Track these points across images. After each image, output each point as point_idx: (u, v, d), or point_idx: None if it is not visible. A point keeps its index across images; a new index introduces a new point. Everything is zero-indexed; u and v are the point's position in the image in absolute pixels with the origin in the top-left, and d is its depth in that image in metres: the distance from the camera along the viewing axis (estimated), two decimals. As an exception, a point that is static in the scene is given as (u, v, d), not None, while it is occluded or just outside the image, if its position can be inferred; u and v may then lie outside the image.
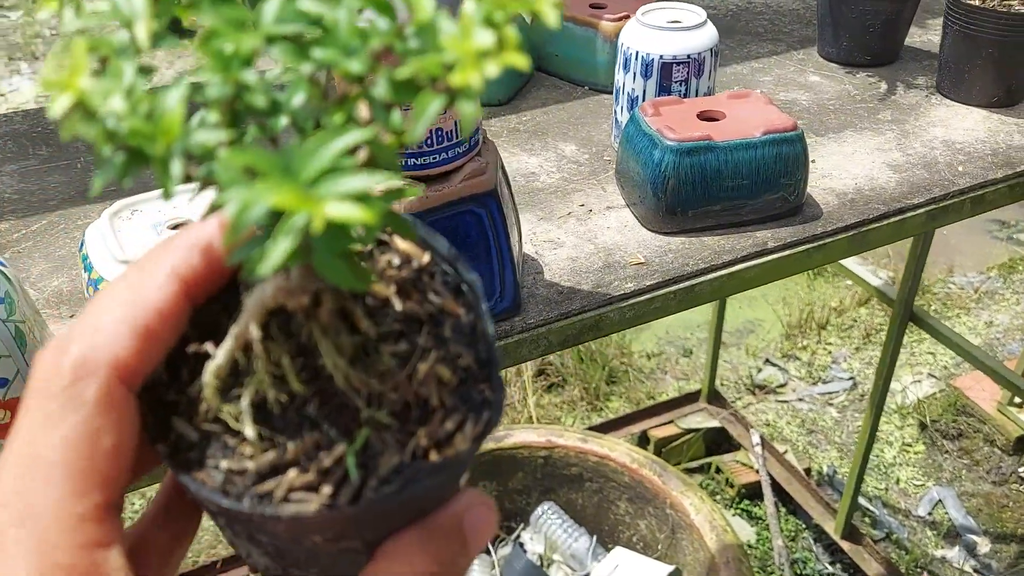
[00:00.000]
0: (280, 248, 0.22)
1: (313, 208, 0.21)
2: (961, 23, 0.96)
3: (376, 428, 0.27)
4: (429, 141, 0.66)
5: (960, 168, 0.89)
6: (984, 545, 1.92)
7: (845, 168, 0.91)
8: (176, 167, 0.24)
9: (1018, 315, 2.45)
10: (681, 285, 0.78)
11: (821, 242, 0.82)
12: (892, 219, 0.85)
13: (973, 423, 2.13)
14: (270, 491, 0.26)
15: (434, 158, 0.67)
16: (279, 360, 0.28)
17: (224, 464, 0.27)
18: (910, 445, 2.14)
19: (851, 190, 0.88)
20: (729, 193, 0.81)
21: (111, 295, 0.28)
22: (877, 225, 0.84)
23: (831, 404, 2.27)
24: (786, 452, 2.10)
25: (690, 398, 2.17)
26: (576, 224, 0.84)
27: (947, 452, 2.11)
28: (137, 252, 0.64)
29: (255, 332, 0.28)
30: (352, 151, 0.24)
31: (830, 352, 2.41)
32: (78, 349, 0.27)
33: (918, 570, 1.88)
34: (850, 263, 1.80)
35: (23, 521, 0.25)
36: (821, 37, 1.12)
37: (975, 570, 1.87)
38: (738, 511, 2.03)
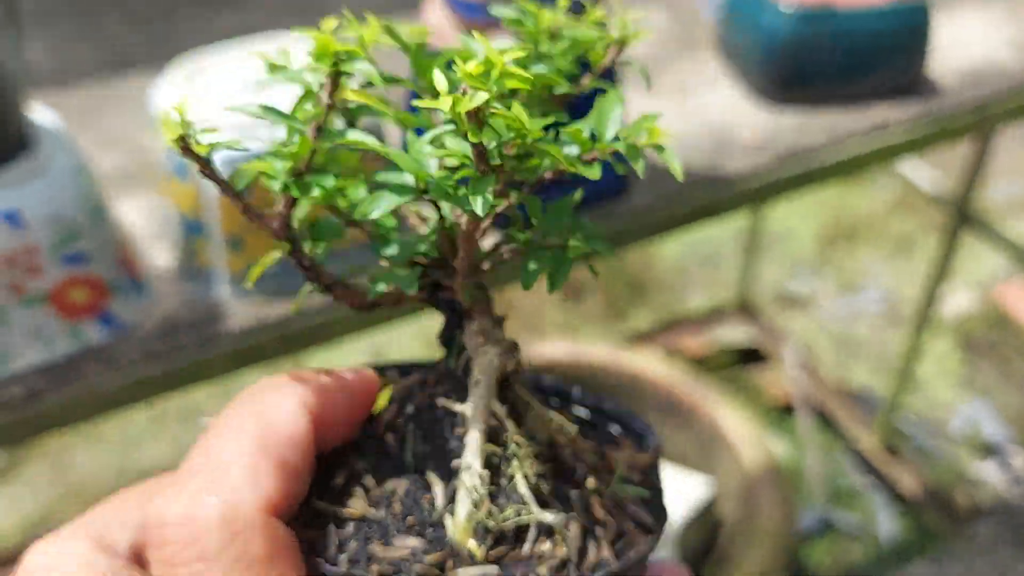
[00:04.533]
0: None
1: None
2: None
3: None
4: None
5: (1086, 43, 0.83)
6: (1020, 459, 1.90)
7: (959, 44, 0.83)
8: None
9: (1052, 227, 2.40)
10: (798, 165, 0.71)
11: (943, 118, 0.75)
12: (1018, 96, 0.78)
13: (1011, 336, 2.09)
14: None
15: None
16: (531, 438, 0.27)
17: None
18: (945, 358, 2.10)
19: (968, 67, 0.80)
20: (847, 64, 0.74)
21: (229, 429, 0.23)
22: (1002, 103, 0.77)
23: (864, 316, 2.23)
24: (819, 366, 2.06)
25: (721, 311, 2.12)
26: (679, 99, 0.76)
27: (983, 365, 2.07)
28: (231, 115, 0.57)
29: (499, 408, 0.26)
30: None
31: (861, 263, 2.36)
32: (220, 500, 0.22)
33: (953, 484, 1.86)
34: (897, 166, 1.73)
35: None
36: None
37: (1011, 483, 1.85)
38: (771, 426, 2.00)
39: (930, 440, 1.95)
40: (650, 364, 1.82)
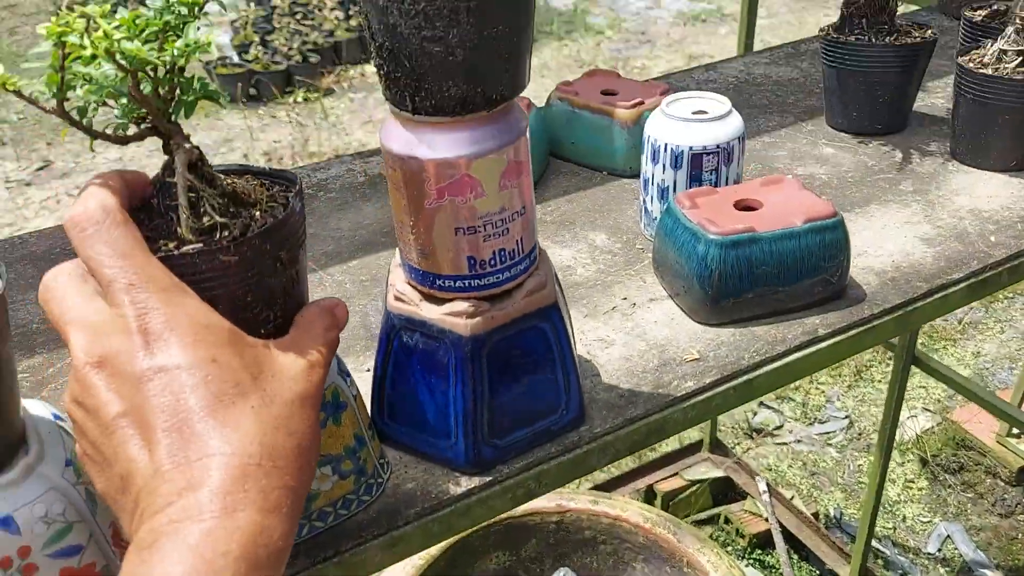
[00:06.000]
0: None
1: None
2: (975, 91, 0.97)
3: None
4: (492, 260, 0.65)
5: (992, 238, 0.90)
6: (996, 578, 1.93)
7: (878, 244, 0.91)
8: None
9: (1003, 344, 2.49)
10: (740, 380, 0.77)
11: (870, 325, 0.82)
12: (936, 296, 0.85)
13: (973, 456, 2.15)
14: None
15: (497, 278, 0.66)
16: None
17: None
18: (912, 481, 2.15)
19: (889, 267, 0.88)
20: (773, 281, 0.81)
21: (87, 192, 0.48)
22: (921, 303, 0.84)
23: (830, 444, 2.28)
24: (792, 497, 2.10)
25: (692, 448, 2.16)
26: (622, 319, 0.83)
27: (950, 486, 2.12)
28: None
29: (190, 175, 0.50)
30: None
31: (823, 392, 2.42)
32: (96, 200, 0.46)
33: (934, 609, 1.88)
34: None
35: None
36: (829, 108, 1.13)
37: (989, 604, 1.88)
38: (751, 561, 2.02)
39: (907, 564, 1.97)
40: (628, 508, 1.84)
